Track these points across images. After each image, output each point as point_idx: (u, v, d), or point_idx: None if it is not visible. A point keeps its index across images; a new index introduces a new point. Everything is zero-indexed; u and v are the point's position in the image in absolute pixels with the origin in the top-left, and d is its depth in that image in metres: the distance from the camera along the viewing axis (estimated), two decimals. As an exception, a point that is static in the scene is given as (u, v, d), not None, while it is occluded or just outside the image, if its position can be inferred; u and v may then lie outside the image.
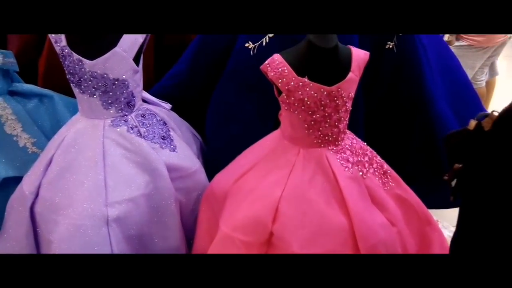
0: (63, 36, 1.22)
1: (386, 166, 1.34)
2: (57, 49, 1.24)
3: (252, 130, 1.53)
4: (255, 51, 1.49)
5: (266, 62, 1.17)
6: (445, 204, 1.66)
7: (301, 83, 1.15)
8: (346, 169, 1.22)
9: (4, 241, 1.30)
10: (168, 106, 1.50)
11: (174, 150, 1.37)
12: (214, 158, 1.63)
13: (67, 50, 1.21)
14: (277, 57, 1.17)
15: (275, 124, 1.45)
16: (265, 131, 1.39)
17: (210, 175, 1.42)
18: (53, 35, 1.24)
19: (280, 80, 1.15)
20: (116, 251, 1.18)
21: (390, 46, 1.54)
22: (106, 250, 1.17)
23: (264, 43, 1.48)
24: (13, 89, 1.50)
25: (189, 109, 1.62)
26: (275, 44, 1.47)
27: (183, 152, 1.40)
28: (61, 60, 1.25)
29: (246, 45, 1.49)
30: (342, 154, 1.24)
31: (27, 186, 1.25)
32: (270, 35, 1.48)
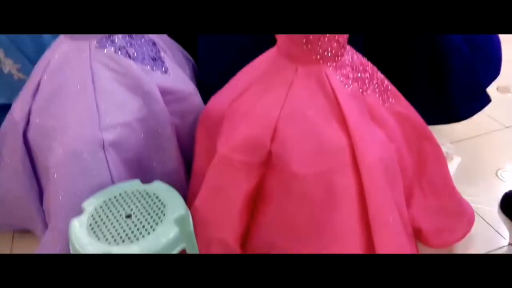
0: None
1: (386, 82, 1.30)
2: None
3: (247, 50, 1.46)
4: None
5: None
6: (444, 120, 1.64)
7: (298, -7, 1.06)
8: (346, 86, 1.17)
9: (1, 170, 1.30)
10: (156, 25, 1.41)
11: (166, 72, 1.31)
12: (208, 81, 1.58)
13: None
14: (272, -36, 1.06)
15: (271, 43, 1.37)
16: (261, 52, 1.32)
17: (205, 98, 1.38)
18: None
19: (275, -9, 1.06)
20: (114, 174, 1.18)
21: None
22: (105, 175, 1.17)
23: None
24: (-11, 12, 1.40)
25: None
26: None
27: (176, 74, 1.34)
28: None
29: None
30: (342, 70, 1.18)
31: (17, 113, 1.21)
32: None
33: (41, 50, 1.36)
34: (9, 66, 1.36)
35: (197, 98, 1.38)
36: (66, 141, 1.14)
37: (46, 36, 1.42)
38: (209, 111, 1.30)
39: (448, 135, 2.00)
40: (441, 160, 1.47)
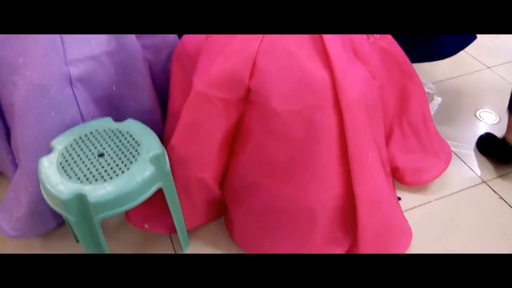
0: None
1: (372, 15, 1.24)
2: None
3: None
4: None
5: None
6: (428, 57, 1.61)
7: None
8: (329, 18, 1.10)
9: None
10: None
11: (137, 2, 1.20)
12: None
13: None
14: None
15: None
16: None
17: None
18: None
19: None
20: (84, 112, 1.11)
21: None
22: (74, 112, 1.10)
23: None
24: None
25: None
26: None
27: (148, 5, 1.24)
28: None
29: None
30: None
31: (-28, 45, 1.11)
32: None
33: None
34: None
35: (171, 31, 1.29)
36: (30, 75, 1.06)
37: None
38: (184, 45, 1.22)
39: (430, 75, 1.97)
40: (422, 100, 1.46)
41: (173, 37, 1.29)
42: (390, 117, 1.37)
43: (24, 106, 1.06)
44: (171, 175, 1.12)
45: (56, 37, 1.07)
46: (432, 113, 1.54)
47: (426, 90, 1.65)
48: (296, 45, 1.08)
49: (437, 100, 1.82)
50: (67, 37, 1.08)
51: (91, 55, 1.11)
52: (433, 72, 2.01)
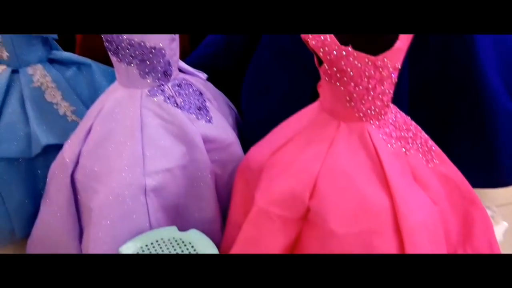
0: (100, 3, 1.20)
1: (430, 142, 1.28)
2: (95, 16, 1.23)
3: (289, 102, 1.48)
4: (294, 19, 1.42)
5: None
6: (490, 184, 1.58)
7: (344, 52, 1.08)
8: (389, 145, 1.16)
9: (47, 206, 1.35)
10: (203, 76, 1.47)
11: (210, 121, 1.35)
12: (249, 131, 1.60)
13: (104, 17, 1.19)
14: (319, 25, 1.10)
15: (313, 96, 1.39)
16: (302, 103, 1.34)
17: (245, 147, 1.40)
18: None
19: (321, 49, 1.09)
20: (153, 220, 1.20)
21: (441, 13, 1.43)
22: (144, 219, 1.19)
23: (304, 10, 1.41)
24: (52, 57, 1.51)
25: (225, 79, 1.59)
26: (316, 11, 1.40)
27: (219, 124, 1.38)
28: (98, 27, 1.24)
29: (285, 12, 1.42)
30: (385, 129, 1.18)
31: (67, 153, 1.27)
32: (311, 1, 1.41)
33: (95, 94, 1.45)
34: (65, 109, 1.45)
35: (237, 147, 1.40)
36: (110, 185, 1.18)
37: (101, 82, 1.51)
38: (249, 161, 1.31)
39: (493, 198, 1.90)
40: (487, 226, 1.40)
41: (239, 153, 1.40)
42: (453, 244, 1.32)
43: (101, 212, 1.16)
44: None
45: (139, 151, 1.21)
46: (498, 240, 1.46)
47: (490, 213, 1.59)
48: (356, 169, 1.13)
49: (503, 225, 1.73)
50: (149, 151, 1.21)
51: (167, 167, 1.22)
52: (496, 195, 1.94)
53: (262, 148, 1.31)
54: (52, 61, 1.51)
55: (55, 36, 1.47)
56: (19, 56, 1.43)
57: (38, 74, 1.44)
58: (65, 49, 1.58)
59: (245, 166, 1.32)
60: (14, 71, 1.45)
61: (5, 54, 1.44)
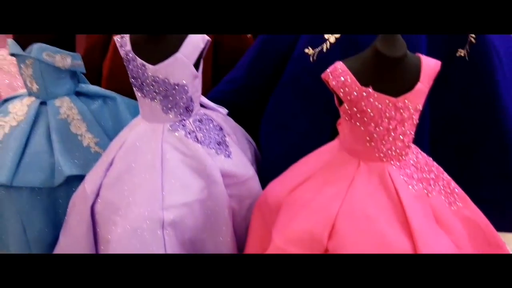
0: (128, 41, 1.25)
1: (453, 184, 1.25)
2: (122, 53, 1.27)
3: (308, 139, 1.49)
4: (314, 58, 1.44)
5: (327, 70, 1.13)
6: (516, 227, 1.52)
7: (364, 93, 1.09)
8: (410, 187, 1.14)
9: (66, 237, 1.37)
10: (224, 111, 1.49)
11: (229, 156, 1.36)
12: (268, 166, 1.60)
13: (131, 54, 1.24)
14: (339, 65, 1.12)
15: (332, 134, 1.40)
16: (321, 141, 1.35)
17: (263, 182, 1.40)
18: (118, 39, 1.28)
19: (342, 90, 1.11)
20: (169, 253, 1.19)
21: (462, 54, 1.43)
22: (160, 253, 1.18)
23: (324, 49, 1.44)
24: (79, 90, 1.57)
25: (245, 114, 1.61)
26: (336, 51, 1.42)
27: (238, 159, 1.39)
28: (125, 64, 1.28)
29: (306, 51, 1.45)
30: (406, 170, 1.16)
31: (89, 185, 1.29)
32: (332, 41, 1.43)
33: (119, 126, 1.48)
34: (89, 140, 1.49)
35: (256, 183, 1.40)
36: (129, 218, 1.19)
37: (125, 115, 1.55)
38: (267, 197, 1.31)
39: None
40: (514, 272, 1.34)
41: (257, 188, 1.39)
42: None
43: (118, 245, 1.17)
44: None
45: (158, 185, 1.22)
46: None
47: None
48: (376, 210, 1.11)
49: (531, 271, 1.65)
50: (168, 185, 1.22)
51: (185, 202, 1.23)
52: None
53: (280, 185, 1.31)
54: (78, 94, 1.56)
55: (83, 70, 1.53)
56: (48, 89, 1.49)
57: (65, 106, 1.49)
58: (92, 83, 1.63)
59: (263, 202, 1.31)
60: (42, 103, 1.50)
61: (34, 87, 1.49)
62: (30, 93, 1.53)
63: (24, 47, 1.45)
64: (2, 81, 1.79)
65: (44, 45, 1.42)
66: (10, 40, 1.48)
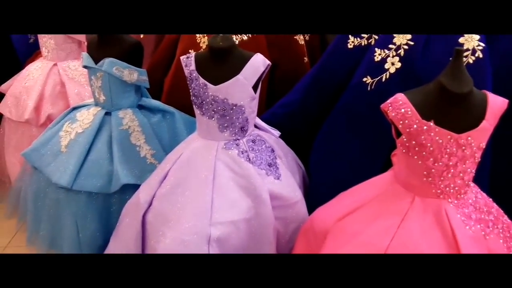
0: (193, 61, 1.31)
1: (514, 229, 1.18)
2: (186, 72, 1.34)
3: (358, 168, 1.47)
4: (372, 87, 1.44)
5: (388, 101, 1.12)
6: None
7: (425, 127, 1.06)
8: (467, 227, 1.09)
9: (116, 241, 1.42)
10: (277, 133, 1.51)
11: (278, 178, 1.37)
12: (316, 191, 1.59)
13: (195, 74, 1.30)
14: (400, 97, 1.10)
15: (385, 165, 1.37)
16: (373, 171, 1.32)
17: (310, 207, 1.39)
18: (184, 59, 1.34)
19: (401, 122, 1.09)
20: (213, 271, 1.20)
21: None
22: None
23: (383, 79, 1.43)
24: (141, 103, 1.66)
25: (296, 138, 1.62)
26: (395, 81, 1.41)
27: (287, 181, 1.39)
28: (188, 82, 1.34)
29: (364, 79, 1.44)
30: (464, 209, 1.11)
31: (143, 195, 1.35)
32: (392, 71, 1.42)
33: (175, 141, 1.54)
34: (146, 151, 1.56)
35: (302, 207, 1.40)
36: (178, 230, 1.22)
37: (182, 130, 1.61)
38: (313, 223, 1.29)
39: None
40: None
41: (303, 212, 1.39)
42: None
43: (165, 255, 1.19)
44: None
45: (209, 200, 1.25)
46: None
47: None
48: (429, 248, 1.07)
49: None
50: (217, 202, 1.25)
51: (232, 220, 1.25)
52: None
53: (328, 211, 1.29)
54: (140, 107, 1.65)
55: (147, 85, 1.61)
56: (114, 101, 1.58)
57: (128, 118, 1.58)
58: (153, 98, 1.72)
59: (309, 227, 1.30)
60: (107, 113, 1.60)
61: (102, 98, 1.59)
62: (96, 103, 1.63)
63: (96, 60, 1.56)
64: (72, 90, 1.92)
65: (115, 59, 1.52)
66: (84, 54, 1.60)
